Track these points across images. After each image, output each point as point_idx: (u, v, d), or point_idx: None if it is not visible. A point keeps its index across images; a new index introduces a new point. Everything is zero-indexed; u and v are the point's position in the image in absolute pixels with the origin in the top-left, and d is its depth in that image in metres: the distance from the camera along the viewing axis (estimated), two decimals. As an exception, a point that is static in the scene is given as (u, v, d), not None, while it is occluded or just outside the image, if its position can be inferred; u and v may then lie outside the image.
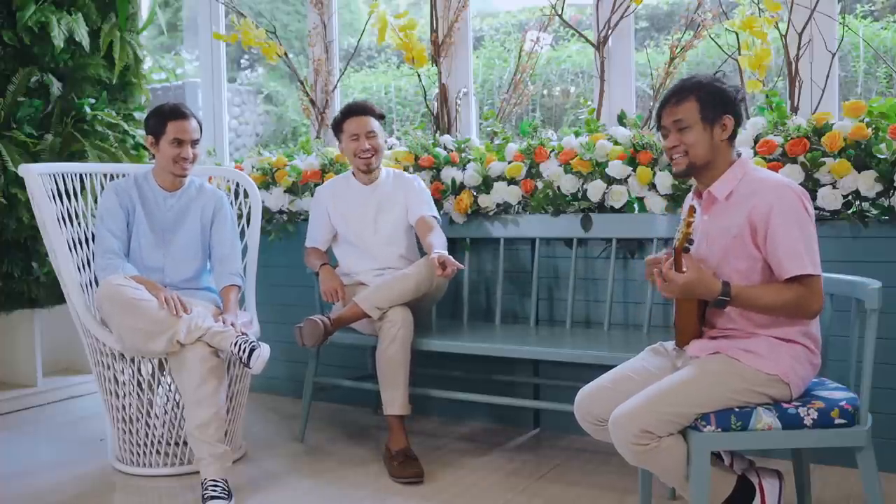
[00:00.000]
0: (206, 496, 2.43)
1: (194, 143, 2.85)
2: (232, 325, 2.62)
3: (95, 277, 3.08)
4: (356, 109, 3.05)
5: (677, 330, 2.02)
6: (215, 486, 2.45)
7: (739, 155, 2.00)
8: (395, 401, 2.75)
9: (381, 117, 3.08)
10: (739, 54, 2.98)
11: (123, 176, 3.12)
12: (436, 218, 3.04)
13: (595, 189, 2.99)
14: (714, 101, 1.94)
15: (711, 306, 1.93)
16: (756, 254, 1.90)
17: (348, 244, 3.12)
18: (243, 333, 2.58)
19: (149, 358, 2.69)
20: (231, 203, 3.36)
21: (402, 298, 2.78)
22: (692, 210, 1.89)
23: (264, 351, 2.53)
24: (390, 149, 3.55)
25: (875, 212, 2.59)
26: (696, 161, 1.96)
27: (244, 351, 2.50)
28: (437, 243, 2.86)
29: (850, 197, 2.62)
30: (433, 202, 3.11)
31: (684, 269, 1.88)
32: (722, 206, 1.97)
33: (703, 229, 2.02)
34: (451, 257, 2.73)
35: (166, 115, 2.81)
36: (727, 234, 1.94)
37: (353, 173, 3.14)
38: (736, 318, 1.96)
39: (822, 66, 2.91)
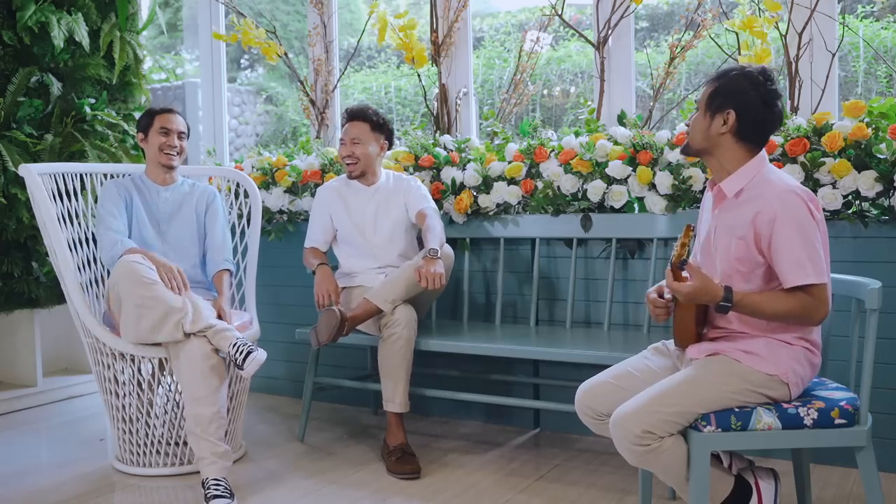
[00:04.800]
0: (208, 495, 2.43)
1: (180, 134, 2.98)
2: (221, 314, 2.71)
3: (96, 276, 3.09)
4: (351, 114, 3.09)
5: (675, 333, 2.03)
6: (217, 484, 2.45)
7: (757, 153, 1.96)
8: (395, 398, 2.79)
9: (377, 124, 3.05)
10: (739, 54, 2.98)
11: (111, 177, 3.19)
12: (432, 209, 3.05)
13: (595, 189, 2.99)
14: (724, 92, 1.92)
15: (715, 311, 1.92)
16: (759, 259, 1.90)
17: (349, 244, 3.13)
18: (243, 338, 2.59)
19: (148, 358, 2.69)
20: (231, 203, 3.37)
21: (410, 290, 2.81)
22: (689, 229, 1.86)
23: (260, 355, 2.54)
24: (390, 148, 3.55)
25: (875, 212, 2.59)
26: (691, 143, 2.01)
27: (241, 353, 2.51)
28: (431, 237, 2.88)
29: (850, 197, 2.62)
30: (430, 196, 3.13)
31: (686, 280, 1.88)
32: (731, 203, 1.96)
33: (714, 223, 2.01)
34: (431, 269, 2.73)
35: (154, 112, 2.99)
36: (732, 234, 1.94)
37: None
38: (733, 320, 1.96)
39: (822, 66, 2.91)
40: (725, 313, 1.88)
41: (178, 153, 2.98)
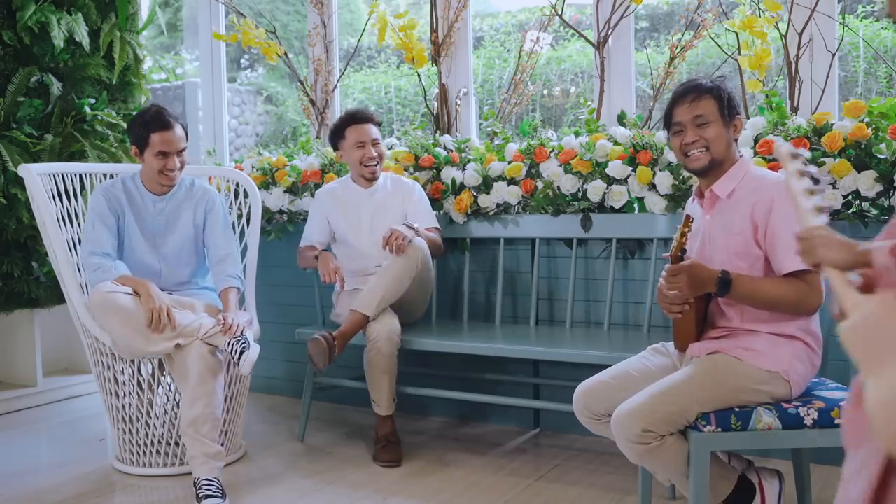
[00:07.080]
0: (200, 495, 2.43)
1: (180, 152, 2.76)
2: (230, 324, 2.60)
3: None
4: (360, 117, 3.12)
5: (675, 334, 2.03)
6: (209, 484, 2.45)
7: (741, 155, 2.04)
8: (380, 402, 2.87)
9: (379, 124, 3.17)
10: (739, 54, 2.98)
11: (111, 177, 3.13)
12: (437, 229, 3.13)
13: (595, 189, 2.99)
14: (729, 100, 2.00)
15: (716, 294, 1.91)
16: (758, 252, 1.92)
17: (347, 245, 3.15)
18: (241, 334, 2.59)
19: (148, 358, 2.69)
20: (231, 203, 3.37)
21: (394, 289, 2.84)
22: (688, 219, 1.90)
23: (252, 353, 2.55)
24: (390, 148, 3.56)
25: (875, 212, 2.59)
26: (717, 156, 1.99)
27: (236, 351, 2.53)
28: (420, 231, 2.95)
29: (850, 197, 2.62)
30: (432, 211, 3.18)
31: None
32: (724, 205, 1.99)
33: (706, 228, 2.03)
34: (402, 233, 2.82)
35: (149, 126, 2.71)
36: (729, 232, 1.96)
37: (352, 178, 3.20)
38: (734, 317, 1.96)
39: (822, 66, 2.91)
40: (727, 291, 1.87)
41: (179, 169, 2.78)
